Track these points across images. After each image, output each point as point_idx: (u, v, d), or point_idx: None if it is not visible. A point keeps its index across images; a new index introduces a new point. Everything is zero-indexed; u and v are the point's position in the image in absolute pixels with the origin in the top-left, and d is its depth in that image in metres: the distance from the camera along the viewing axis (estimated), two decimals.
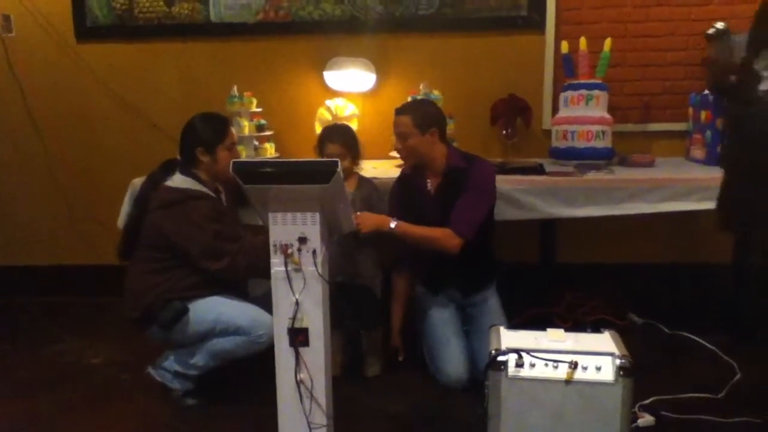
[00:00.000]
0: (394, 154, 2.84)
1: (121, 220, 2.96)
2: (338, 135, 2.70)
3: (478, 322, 2.59)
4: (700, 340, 2.90)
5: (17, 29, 3.66)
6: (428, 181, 2.59)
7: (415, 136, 2.48)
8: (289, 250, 1.84)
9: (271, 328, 2.13)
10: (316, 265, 1.84)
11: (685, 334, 2.96)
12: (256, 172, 1.76)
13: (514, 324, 2.78)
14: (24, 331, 3.33)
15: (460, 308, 2.68)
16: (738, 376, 2.58)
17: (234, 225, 2.45)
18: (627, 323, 3.16)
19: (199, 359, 2.37)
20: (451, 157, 2.55)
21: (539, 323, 3.04)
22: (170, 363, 2.45)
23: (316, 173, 1.75)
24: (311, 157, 2.83)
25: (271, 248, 1.85)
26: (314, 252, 1.84)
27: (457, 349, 2.52)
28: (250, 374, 2.40)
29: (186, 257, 2.31)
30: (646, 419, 2.24)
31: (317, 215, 1.83)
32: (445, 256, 2.44)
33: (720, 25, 1.99)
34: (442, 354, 2.52)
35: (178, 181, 2.38)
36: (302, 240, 1.84)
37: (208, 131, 2.42)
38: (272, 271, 1.85)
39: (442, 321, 2.60)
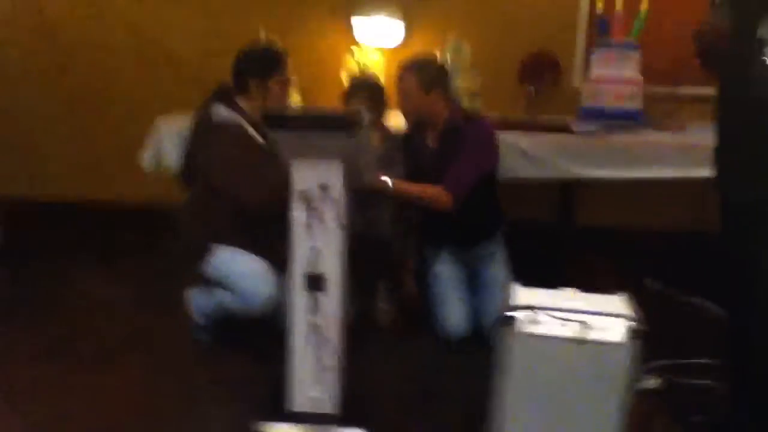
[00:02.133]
0: None
1: (145, 160, 3.00)
2: (365, 86, 2.69)
3: (483, 278, 2.63)
4: (712, 307, 2.90)
5: None
6: (429, 138, 2.60)
7: (420, 96, 2.49)
8: (311, 197, 1.86)
9: (265, 298, 2.24)
10: (336, 214, 1.86)
11: (702, 301, 2.96)
12: (282, 118, 1.78)
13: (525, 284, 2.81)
14: (46, 265, 3.38)
15: (465, 264, 2.70)
16: None
17: (260, 156, 2.36)
18: (643, 289, 3.17)
19: (209, 303, 2.43)
20: (452, 115, 2.56)
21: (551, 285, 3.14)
22: (198, 292, 2.52)
23: (342, 124, 1.76)
24: (336, 105, 2.82)
25: (293, 194, 1.87)
26: (334, 200, 1.86)
27: (457, 305, 2.56)
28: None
29: (209, 183, 2.33)
30: (654, 381, 2.26)
31: (340, 164, 1.85)
32: (442, 212, 2.46)
33: None
34: (442, 309, 2.58)
35: (216, 111, 2.37)
36: (324, 188, 1.86)
37: (263, 60, 2.42)
38: (292, 216, 1.88)
39: (444, 275, 2.64)
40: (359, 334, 2.30)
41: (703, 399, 2.23)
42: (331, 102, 3.23)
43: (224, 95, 2.40)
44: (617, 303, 1.88)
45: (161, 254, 2.79)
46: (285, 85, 2.46)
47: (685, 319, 2.87)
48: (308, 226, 1.88)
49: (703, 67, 2.04)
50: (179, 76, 3.58)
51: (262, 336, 2.35)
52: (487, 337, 2.35)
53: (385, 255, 2.75)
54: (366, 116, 1.77)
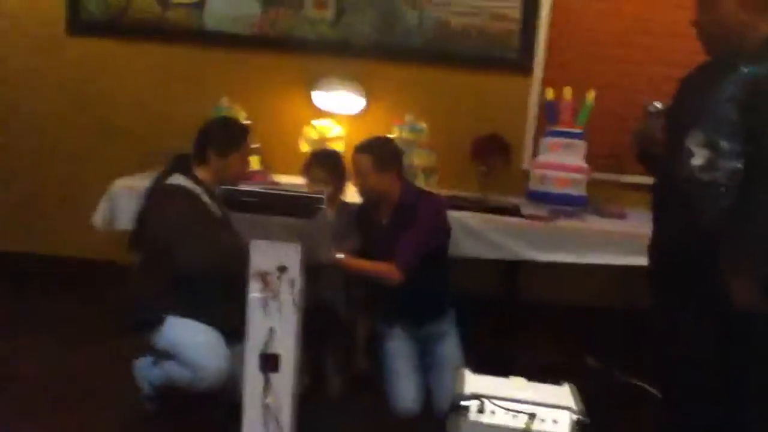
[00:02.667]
0: None
1: (98, 220, 2.96)
2: (326, 160, 2.75)
3: (436, 357, 2.66)
4: (651, 390, 3.00)
5: (10, 18, 3.65)
6: (382, 214, 2.68)
7: (373, 175, 2.57)
8: (268, 278, 1.88)
9: (214, 372, 2.22)
10: (293, 295, 1.88)
11: (637, 382, 3.06)
12: (241, 201, 1.80)
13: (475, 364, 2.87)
14: None
15: (418, 340, 2.73)
16: None
17: (215, 226, 2.36)
18: (584, 366, 3.26)
19: (156, 372, 2.39)
20: (404, 192, 2.64)
21: (497, 360, 3.20)
22: (147, 362, 2.47)
23: (301, 207, 1.80)
24: (295, 173, 2.87)
25: (251, 274, 1.89)
26: (292, 281, 1.89)
27: (408, 381, 2.58)
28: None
29: (159, 247, 2.30)
30: None
31: (298, 246, 1.88)
32: (393, 287, 2.50)
33: (659, 104, 2.16)
34: (393, 385, 2.59)
35: (173, 179, 2.37)
36: (282, 269, 1.88)
37: (227, 135, 2.44)
38: (249, 296, 1.90)
39: (396, 352, 2.66)
40: (310, 405, 2.31)
41: None
42: (290, 169, 3.28)
43: (182, 164, 2.41)
44: (563, 393, 1.94)
45: (108, 311, 2.75)
46: (245, 158, 2.49)
47: (625, 399, 2.95)
48: (264, 305, 1.90)
49: (640, 163, 2.30)
50: (138, 141, 3.59)
51: (209, 406, 2.32)
52: (438, 415, 2.37)
53: (335, 327, 2.77)
54: (323, 194, 1.80)
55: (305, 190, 2.71)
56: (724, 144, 1.83)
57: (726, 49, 1.97)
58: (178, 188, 2.31)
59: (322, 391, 2.72)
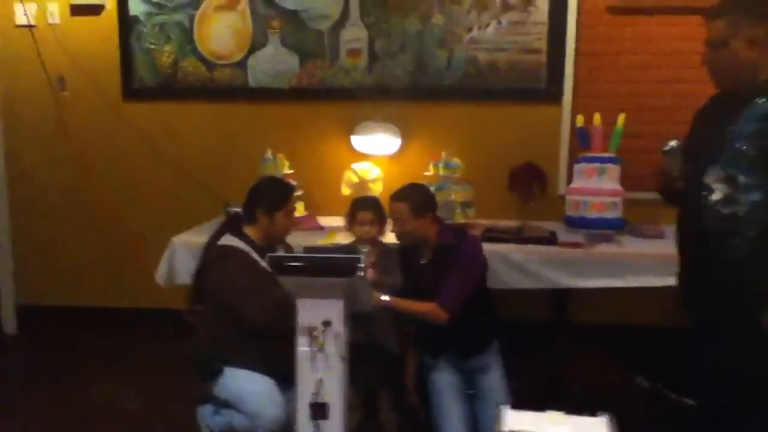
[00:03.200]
0: None
1: (160, 276, 3.20)
2: (369, 203, 2.91)
3: (481, 390, 2.75)
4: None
5: (71, 89, 3.97)
6: (422, 255, 2.80)
7: (411, 221, 2.70)
8: (314, 332, 2.05)
9: (271, 421, 2.37)
10: (337, 347, 2.04)
11: (689, 401, 3.08)
12: (286, 266, 1.98)
13: (522, 385, 2.96)
14: (58, 372, 3.56)
15: (463, 372, 2.84)
16: None
17: (268, 282, 2.55)
18: (635, 387, 3.30)
19: (217, 420, 2.56)
20: (442, 234, 2.76)
21: (547, 385, 3.27)
22: (208, 410, 2.66)
23: (341, 267, 1.96)
24: (337, 214, 3.03)
25: (298, 329, 2.06)
26: (337, 335, 2.05)
27: (456, 416, 2.67)
28: None
29: (219, 306, 2.49)
30: None
31: (341, 301, 2.04)
32: (438, 325, 2.62)
33: (674, 143, 2.23)
34: (441, 419, 2.68)
35: (225, 240, 2.56)
36: (327, 323, 2.05)
37: (272, 195, 2.60)
38: (298, 350, 2.07)
39: (443, 386, 2.76)
40: None
41: None
42: (333, 211, 3.46)
43: (233, 225, 2.61)
44: (599, 426, 2.03)
45: (176, 360, 2.98)
46: (291, 215, 2.67)
47: (674, 419, 2.98)
48: (312, 358, 2.06)
49: (666, 201, 2.35)
50: (198, 195, 3.86)
51: None
52: None
53: (388, 365, 2.90)
54: (362, 258, 1.96)
55: (346, 243, 2.89)
56: (742, 178, 1.91)
57: (737, 85, 2.03)
58: (231, 248, 2.51)
59: (375, 427, 2.86)
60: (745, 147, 1.92)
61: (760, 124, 1.90)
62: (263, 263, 2.54)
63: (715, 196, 1.96)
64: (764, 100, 1.91)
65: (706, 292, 2.10)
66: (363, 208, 2.87)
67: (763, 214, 1.91)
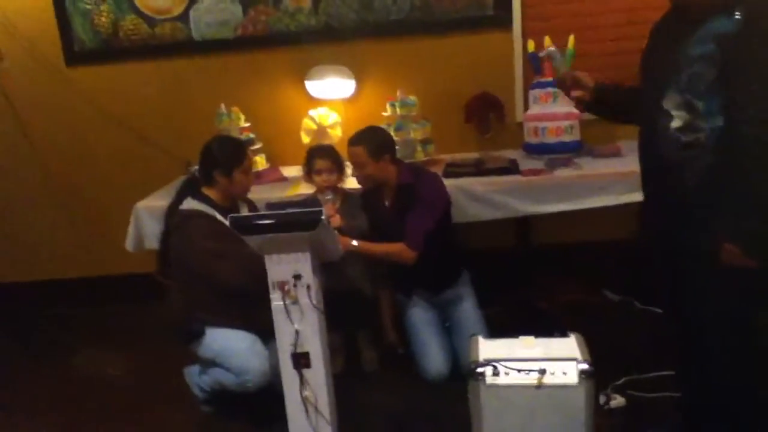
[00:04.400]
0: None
1: (129, 243, 3.19)
2: (326, 152, 2.91)
3: (456, 320, 2.85)
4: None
5: (9, 59, 3.82)
6: (385, 197, 2.85)
7: (370, 164, 2.72)
8: (286, 287, 2.08)
9: (258, 374, 2.43)
10: (310, 298, 2.08)
11: (656, 309, 3.22)
12: (250, 225, 1.99)
13: (495, 310, 3.08)
14: (38, 346, 3.60)
15: (437, 306, 2.93)
16: None
17: (234, 242, 2.62)
18: (602, 300, 3.43)
19: (205, 379, 2.63)
20: (401, 174, 2.80)
21: (518, 308, 3.38)
22: (195, 370, 2.71)
23: (304, 221, 1.98)
24: (299, 164, 3.03)
25: (270, 285, 2.09)
26: (308, 286, 2.08)
27: (436, 348, 2.78)
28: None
29: (191, 271, 2.51)
30: (617, 401, 2.51)
31: (308, 254, 2.07)
32: (407, 264, 2.68)
33: (552, 48, 2.32)
34: (421, 353, 2.79)
35: (186, 204, 2.55)
36: (297, 277, 2.08)
37: (226, 155, 2.57)
38: (272, 305, 2.10)
39: (420, 321, 2.86)
40: (347, 382, 2.54)
41: (662, 412, 2.45)
42: (295, 160, 3.45)
43: (192, 187, 2.60)
44: (570, 345, 2.12)
45: (154, 324, 3.03)
46: (248, 171, 2.65)
47: (645, 329, 3.12)
48: (287, 311, 2.10)
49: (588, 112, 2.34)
50: (152, 154, 3.81)
51: (262, 399, 2.53)
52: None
53: (363, 305, 2.97)
54: (323, 211, 1.98)
55: (308, 194, 2.91)
56: (700, 104, 1.81)
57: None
58: (194, 212, 2.50)
59: (358, 367, 2.95)
60: (700, 71, 1.80)
61: (714, 44, 1.77)
62: (227, 223, 2.54)
63: (675, 123, 1.87)
64: (718, 17, 1.76)
65: (663, 219, 2.06)
66: (319, 157, 2.88)
67: (725, 140, 1.80)
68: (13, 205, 4.04)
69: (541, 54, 2.20)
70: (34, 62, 3.81)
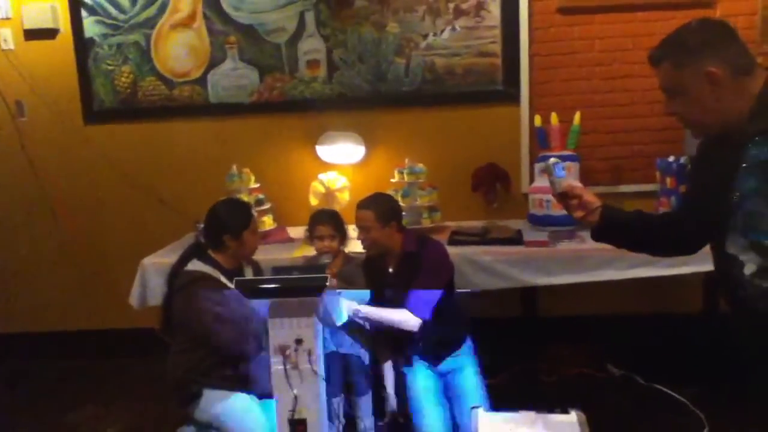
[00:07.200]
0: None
1: (133, 299, 3.21)
2: (328, 217, 2.95)
3: (457, 391, 2.81)
4: (672, 393, 3.13)
5: (29, 114, 3.94)
6: (389, 264, 2.86)
7: (377, 229, 2.75)
8: (287, 351, 2.09)
9: None
10: (311, 363, 2.08)
11: (659, 386, 3.19)
12: (256, 289, 2.02)
13: (498, 380, 3.04)
14: (39, 399, 3.57)
15: (438, 374, 2.90)
16: (706, 430, 2.82)
17: (237, 305, 2.65)
18: (605, 375, 3.41)
19: None
20: (406, 242, 2.82)
21: (521, 378, 3.35)
22: (190, 431, 2.68)
23: (309, 287, 2.00)
24: (306, 226, 3.07)
25: (271, 349, 2.10)
26: (309, 351, 2.09)
27: (434, 418, 2.72)
28: None
29: (192, 336, 2.53)
30: None
31: (312, 319, 2.08)
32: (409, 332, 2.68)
33: (553, 160, 1.97)
34: (421, 425, 2.74)
35: (191, 266, 2.57)
36: (299, 341, 2.08)
37: (234, 218, 2.61)
38: (272, 369, 2.10)
39: (420, 391, 2.81)
40: None
41: None
42: (302, 221, 3.48)
43: (199, 251, 2.63)
44: (570, 423, 2.10)
45: (154, 380, 3.01)
46: (256, 231, 2.70)
47: (648, 404, 3.09)
48: (287, 375, 2.10)
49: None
50: (165, 214, 3.86)
51: None
52: None
53: (362, 373, 2.95)
54: (329, 278, 2.01)
55: (310, 256, 2.94)
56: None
57: (715, 129, 1.68)
58: (198, 275, 2.53)
59: None
60: (755, 207, 1.57)
61: (761, 173, 1.55)
62: (231, 286, 2.57)
63: (748, 270, 1.61)
64: (757, 144, 1.56)
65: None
66: (320, 223, 2.92)
67: None
68: (22, 253, 4.07)
69: (541, 166, 2.01)
70: (54, 118, 3.91)
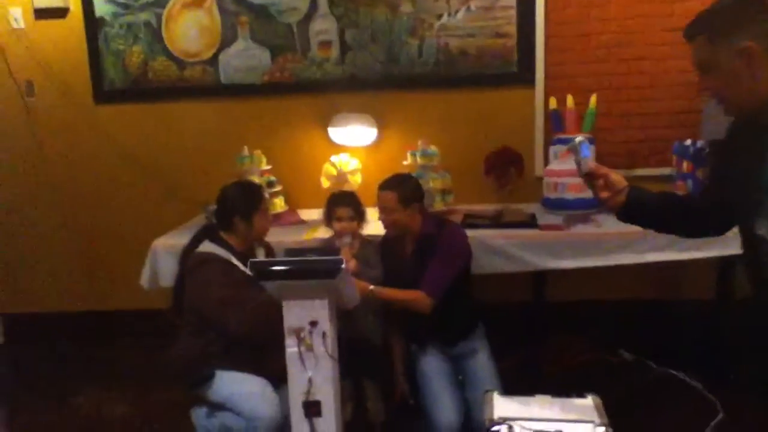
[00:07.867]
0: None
1: (144, 280, 3.20)
2: (348, 199, 2.92)
3: (470, 375, 2.80)
4: (685, 378, 3.11)
5: (39, 93, 3.92)
6: (406, 245, 2.83)
7: (399, 211, 2.72)
8: (302, 333, 2.07)
9: (269, 420, 2.38)
10: (325, 346, 2.07)
11: (672, 371, 3.17)
12: (270, 271, 2.00)
13: (506, 365, 3.02)
14: (44, 381, 3.59)
15: (450, 358, 2.89)
16: (720, 416, 2.80)
17: (248, 287, 2.61)
18: (618, 359, 3.38)
19: (213, 422, 2.58)
20: (425, 224, 2.79)
21: (533, 363, 3.34)
22: (202, 412, 2.67)
23: (324, 270, 1.98)
24: (318, 207, 3.05)
25: (285, 331, 2.08)
26: (324, 334, 2.07)
27: (447, 400, 2.71)
28: None
29: (203, 318, 2.52)
30: None
31: (326, 301, 2.06)
32: (421, 313, 2.67)
33: (580, 138, 1.83)
34: (432, 405, 2.72)
35: (203, 247, 2.57)
36: (313, 324, 2.07)
37: (244, 200, 2.60)
38: (287, 351, 2.08)
39: (432, 372, 2.80)
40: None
41: None
42: (313, 204, 3.47)
43: (211, 232, 2.62)
44: (587, 406, 2.08)
45: (163, 362, 3.00)
46: (266, 213, 2.68)
47: (661, 389, 3.07)
48: (301, 358, 2.08)
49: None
50: (174, 195, 3.85)
51: None
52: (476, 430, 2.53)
53: (372, 356, 2.94)
54: (344, 261, 1.98)
55: (326, 238, 2.92)
56: None
57: (747, 107, 1.62)
58: (210, 256, 2.51)
59: (366, 417, 2.90)
60: None
61: None
62: (243, 268, 2.56)
63: None
64: None
65: None
66: (341, 204, 2.89)
67: None
68: (29, 234, 4.08)
69: (567, 146, 1.96)
70: (63, 98, 3.90)
